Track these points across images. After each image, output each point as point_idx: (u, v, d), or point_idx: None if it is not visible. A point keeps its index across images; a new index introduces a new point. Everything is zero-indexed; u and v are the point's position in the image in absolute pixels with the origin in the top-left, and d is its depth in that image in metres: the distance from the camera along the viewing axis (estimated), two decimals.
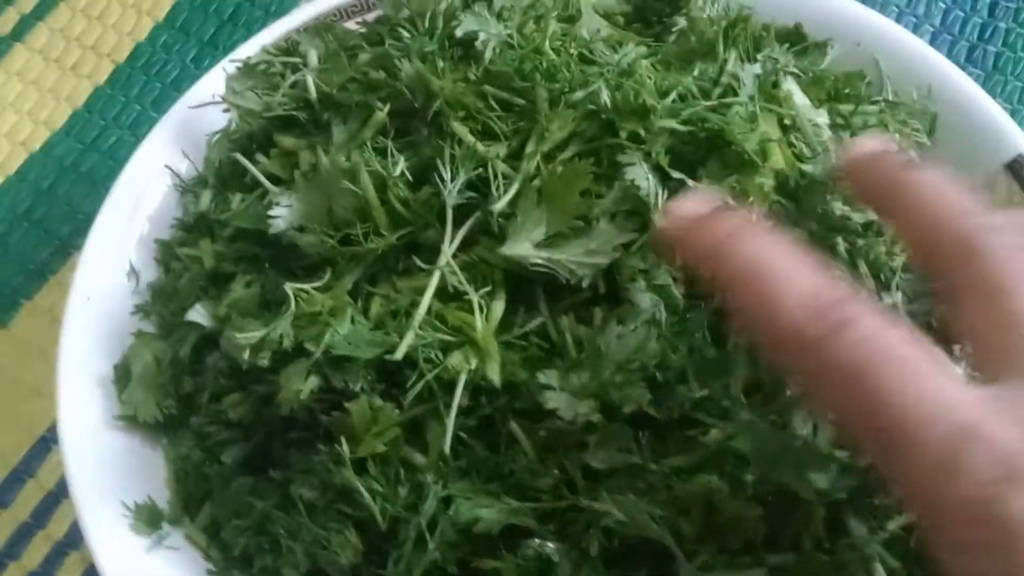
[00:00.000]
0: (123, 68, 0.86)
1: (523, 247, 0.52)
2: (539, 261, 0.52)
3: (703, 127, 0.53)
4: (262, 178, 0.62)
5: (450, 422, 0.52)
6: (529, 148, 0.54)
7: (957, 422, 0.35)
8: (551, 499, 0.51)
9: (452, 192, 0.54)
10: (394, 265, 0.56)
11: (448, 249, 0.54)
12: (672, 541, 0.48)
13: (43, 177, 0.82)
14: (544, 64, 0.56)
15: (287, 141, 0.64)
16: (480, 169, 0.54)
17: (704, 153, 0.53)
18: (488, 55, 0.59)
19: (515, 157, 0.54)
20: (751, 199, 0.52)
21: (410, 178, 0.56)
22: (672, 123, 0.53)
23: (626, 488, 0.50)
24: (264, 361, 0.55)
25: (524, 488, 0.52)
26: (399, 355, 0.52)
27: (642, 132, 0.53)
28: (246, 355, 0.55)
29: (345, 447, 0.52)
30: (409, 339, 0.52)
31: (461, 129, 0.55)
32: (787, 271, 0.40)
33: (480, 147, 0.54)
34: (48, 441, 0.73)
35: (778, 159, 0.54)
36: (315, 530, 0.55)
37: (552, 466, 0.51)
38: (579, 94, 0.54)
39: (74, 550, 0.69)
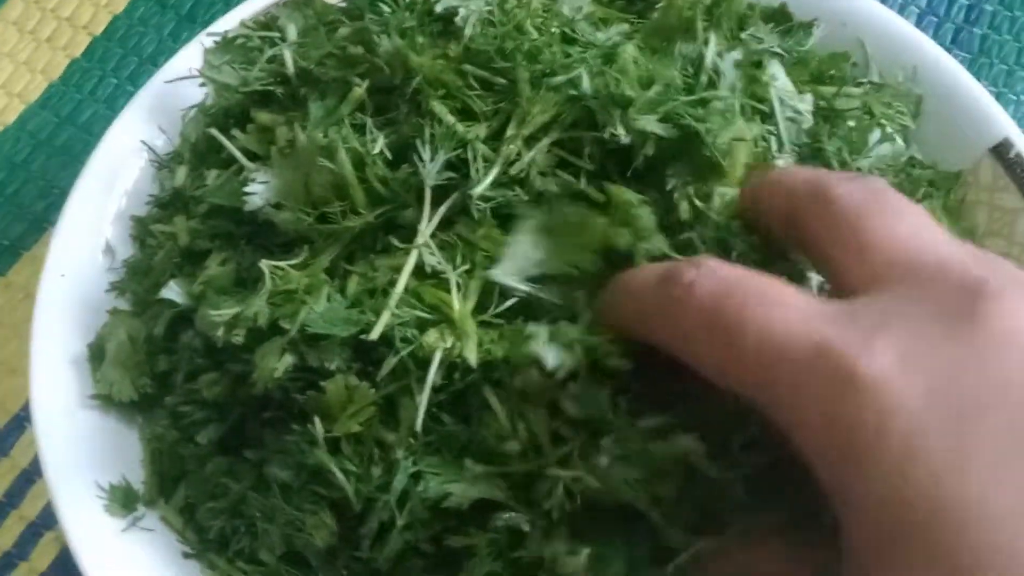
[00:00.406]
0: (99, 41, 0.85)
1: (512, 278, 0.52)
2: (525, 291, 0.52)
3: (679, 125, 0.52)
4: (238, 154, 0.61)
5: (423, 398, 0.51)
6: (510, 131, 0.53)
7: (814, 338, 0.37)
8: (519, 465, 0.50)
9: (431, 172, 0.53)
10: (371, 244, 0.56)
11: (425, 229, 0.53)
12: (647, 505, 0.47)
13: (17, 151, 0.81)
14: (525, 45, 0.55)
15: (264, 117, 0.63)
16: (460, 150, 0.53)
17: (677, 151, 0.52)
18: (468, 32, 0.58)
19: (495, 138, 0.53)
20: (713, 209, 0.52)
21: (389, 156, 0.55)
22: (651, 121, 0.52)
23: (598, 452, 0.49)
24: (238, 339, 0.54)
25: (493, 457, 0.51)
26: (375, 335, 0.51)
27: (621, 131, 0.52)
28: (220, 332, 0.54)
29: (319, 427, 0.52)
30: (385, 318, 0.52)
31: (440, 108, 0.54)
32: (638, 272, 0.47)
33: (460, 128, 0.53)
34: (22, 419, 0.72)
35: (742, 160, 0.53)
36: (290, 511, 0.55)
37: (522, 431, 0.51)
38: (560, 78, 0.53)
39: (48, 530, 0.69)
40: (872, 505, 0.35)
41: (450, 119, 0.54)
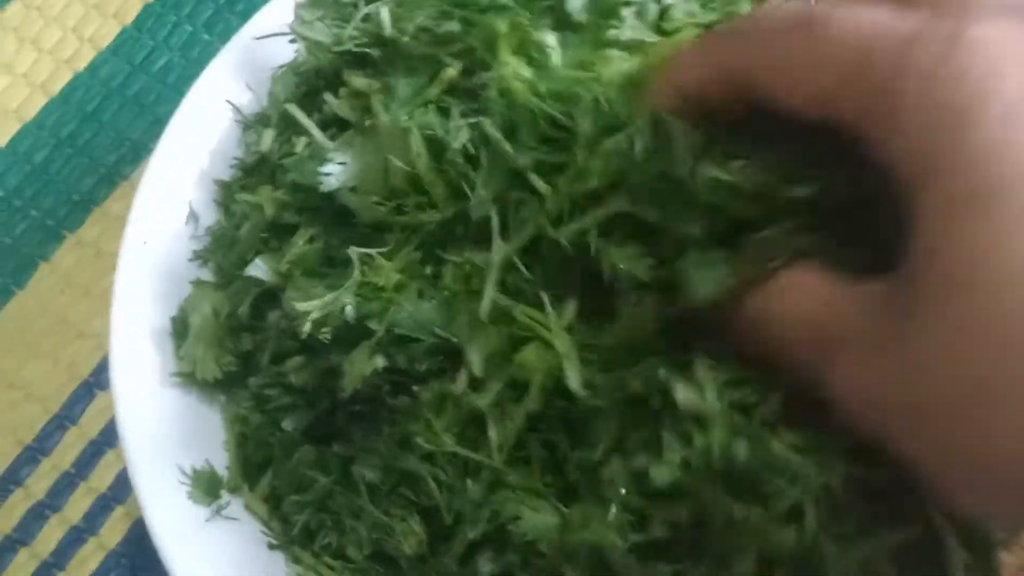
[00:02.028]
0: None
1: None
2: None
3: None
4: (316, 132, 0.57)
5: (515, 424, 0.47)
6: (562, 185, 0.46)
7: None
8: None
9: (484, 201, 0.49)
10: (444, 242, 0.52)
11: (501, 245, 0.48)
12: None
13: (88, 100, 0.76)
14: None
15: (358, 81, 0.59)
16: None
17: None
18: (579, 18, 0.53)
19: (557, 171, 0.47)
20: None
21: (472, 150, 0.51)
22: None
23: None
24: (326, 336, 0.50)
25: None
26: (477, 366, 0.47)
27: None
28: (307, 328, 0.50)
29: (411, 431, 0.48)
30: (483, 342, 0.48)
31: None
32: None
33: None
34: (91, 386, 0.68)
35: None
36: (377, 515, 0.51)
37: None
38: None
39: (119, 504, 0.66)
40: (966, 163, 0.31)
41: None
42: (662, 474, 0.41)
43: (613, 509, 0.43)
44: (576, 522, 0.45)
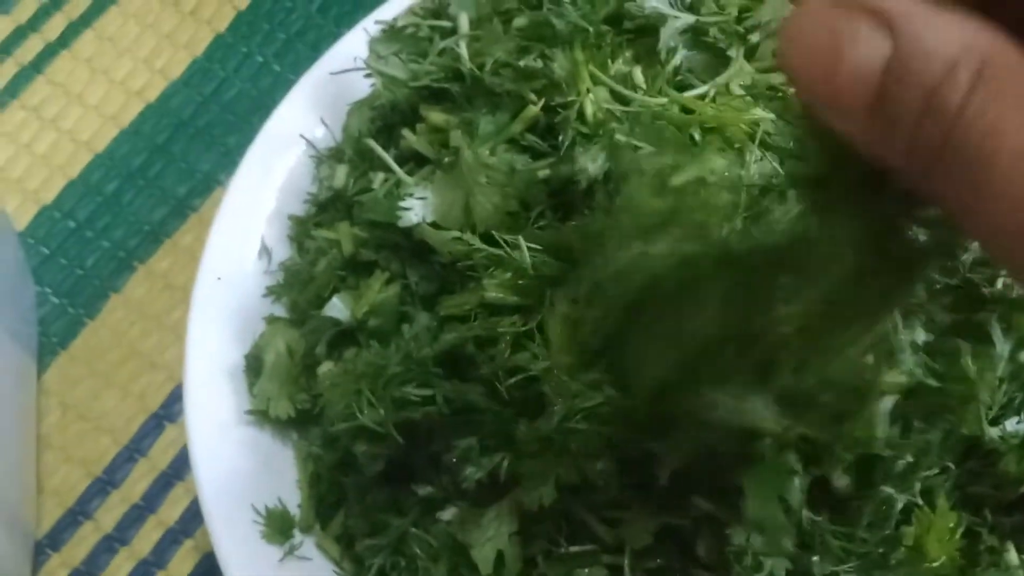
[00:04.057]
0: (244, 15, 0.80)
1: None
2: None
3: None
4: (396, 168, 0.57)
5: None
6: None
7: None
8: None
9: None
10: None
11: None
12: None
13: (159, 132, 0.77)
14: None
15: (436, 116, 0.58)
16: None
17: None
18: (674, 63, 0.52)
19: None
20: None
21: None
22: None
23: None
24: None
25: None
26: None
27: None
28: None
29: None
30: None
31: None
32: None
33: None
34: (161, 419, 0.68)
35: None
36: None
37: None
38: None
39: (188, 537, 0.65)
40: None
41: None
42: None
43: None
44: None
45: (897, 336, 0.47)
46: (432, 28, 0.62)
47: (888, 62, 0.25)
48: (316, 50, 0.78)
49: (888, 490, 0.47)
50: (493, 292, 0.50)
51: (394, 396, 0.52)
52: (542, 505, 0.49)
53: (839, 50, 0.26)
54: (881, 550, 0.46)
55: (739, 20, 0.57)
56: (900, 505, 0.47)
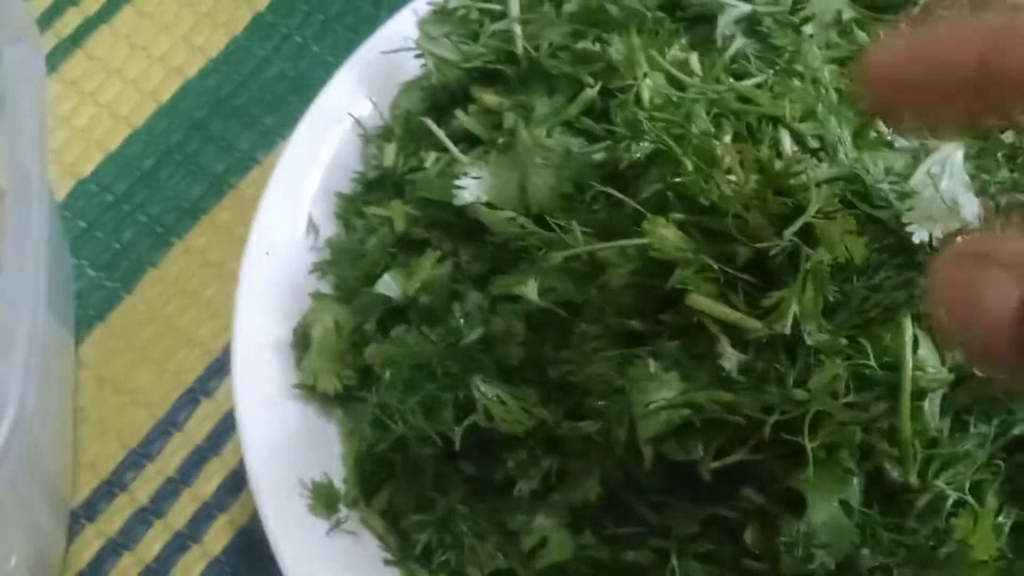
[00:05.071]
0: None
1: None
2: None
3: None
4: (451, 146, 0.58)
5: None
6: None
7: None
8: None
9: None
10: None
11: None
12: None
13: (197, 108, 0.77)
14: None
15: (490, 98, 0.59)
16: None
17: None
18: (730, 51, 0.53)
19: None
20: None
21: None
22: None
23: None
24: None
25: None
26: None
27: None
28: None
29: None
30: None
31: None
32: None
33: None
34: (196, 392, 0.68)
35: None
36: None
37: None
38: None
39: (222, 512, 0.65)
40: None
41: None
42: None
43: None
44: None
45: None
46: (481, 11, 0.63)
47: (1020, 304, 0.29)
48: (355, 32, 0.78)
49: (940, 484, 0.47)
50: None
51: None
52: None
53: (977, 298, 0.29)
54: (931, 543, 0.46)
55: (793, 11, 0.57)
56: (951, 499, 0.47)
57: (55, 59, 0.78)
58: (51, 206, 0.68)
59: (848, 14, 0.57)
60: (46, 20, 0.79)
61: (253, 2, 0.80)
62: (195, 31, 0.79)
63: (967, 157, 0.47)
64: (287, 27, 0.79)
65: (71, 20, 0.79)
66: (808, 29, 0.57)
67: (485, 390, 0.51)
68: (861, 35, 0.57)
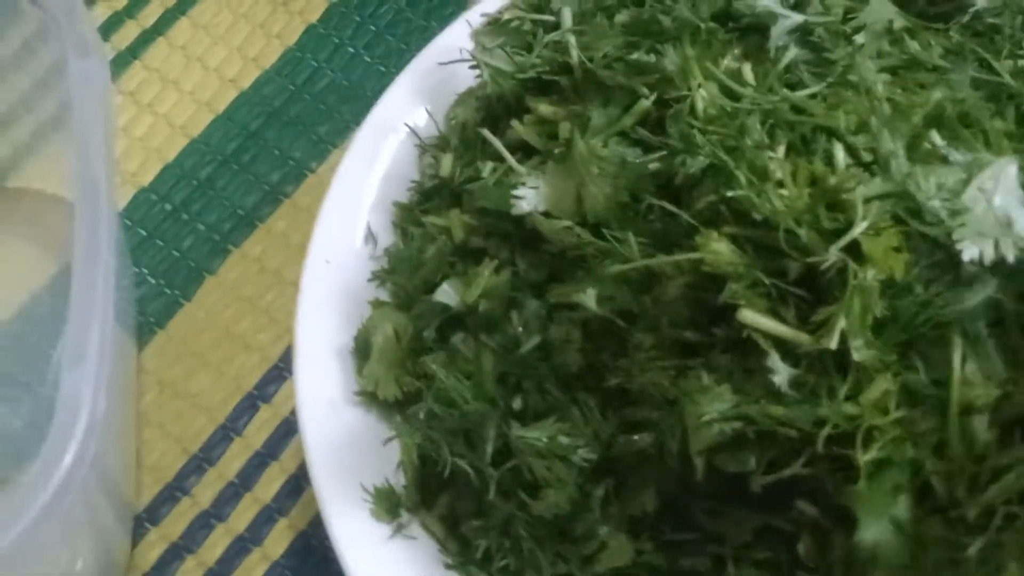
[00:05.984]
0: (336, 7, 0.82)
1: None
2: None
3: None
4: (508, 157, 0.58)
5: None
6: None
7: None
8: None
9: None
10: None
11: None
12: None
13: (251, 118, 0.78)
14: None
15: (545, 108, 0.60)
16: None
17: None
18: (784, 60, 0.54)
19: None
20: None
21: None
22: None
23: None
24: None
25: None
26: None
27: None
28: None
29: None
30: None
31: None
32: None
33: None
34: (255, 398, 0.70)
35: None
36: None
37: None
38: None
39: (283, 516, 0.67)
40: None
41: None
42: None
43: None
44: None
45: None
46: (535, 22, 0.64)
47: None
48: (406, 43, 0.80)
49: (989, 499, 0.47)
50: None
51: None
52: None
53: None
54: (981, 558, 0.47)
55: (844, 20, 0.58)
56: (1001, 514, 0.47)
57: (114, 71, 0.79)
58: (116, 216, 0.69)
59: (899, 23, 0.58)
60: (104, 33, 0.80)
61: (306, 14, 0.81)
62: (249, 42, 0.81)
63: (1022, 170, 0.47)
64: (339, 38, 0.81)
65: (129, 32, 0.81)
66: (859, 38, 0.57)
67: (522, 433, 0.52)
68: (912, 44, 0.57)
